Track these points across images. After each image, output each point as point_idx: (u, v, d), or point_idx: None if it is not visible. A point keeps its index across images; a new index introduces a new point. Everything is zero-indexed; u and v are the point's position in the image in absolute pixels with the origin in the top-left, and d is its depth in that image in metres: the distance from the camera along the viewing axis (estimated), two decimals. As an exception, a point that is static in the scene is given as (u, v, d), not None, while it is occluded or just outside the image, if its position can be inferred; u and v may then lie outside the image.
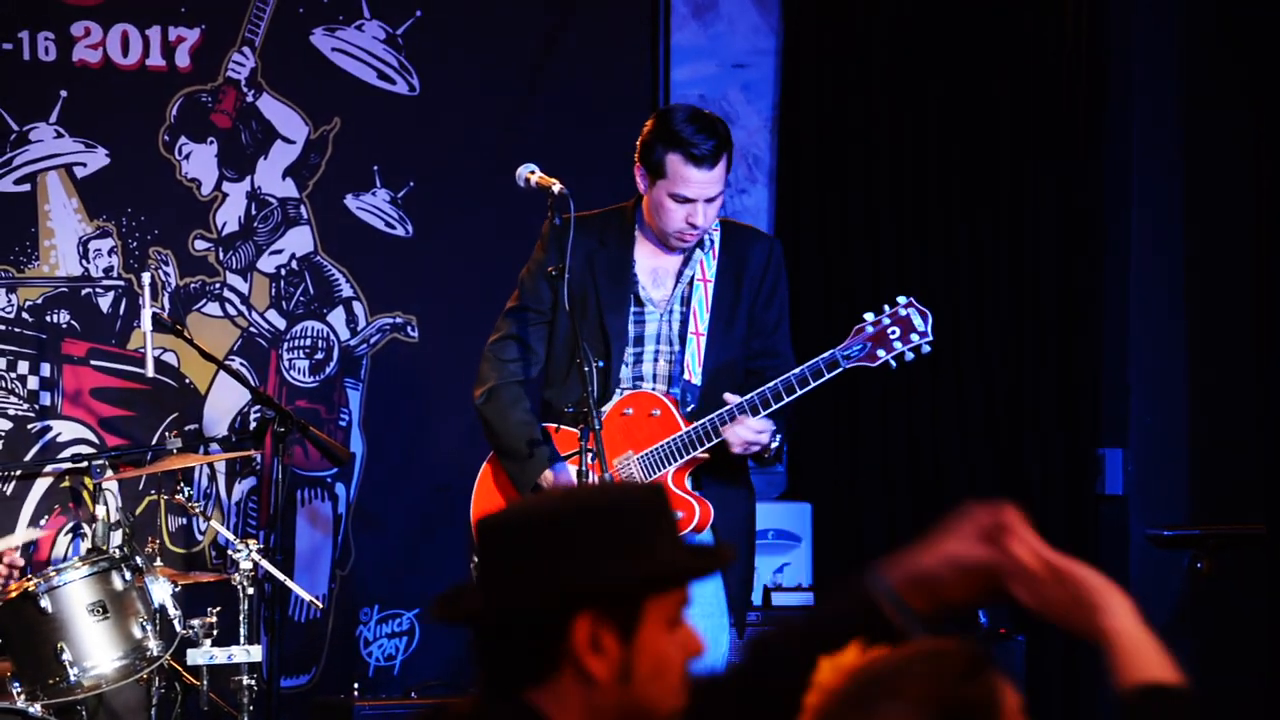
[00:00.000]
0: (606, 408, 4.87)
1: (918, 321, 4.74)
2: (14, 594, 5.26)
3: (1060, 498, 6.50)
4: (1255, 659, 6.01)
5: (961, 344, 6.54)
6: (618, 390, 4.90)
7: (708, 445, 4.77)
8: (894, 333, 4.72)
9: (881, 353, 4.71)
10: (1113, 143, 6.51)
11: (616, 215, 4.98)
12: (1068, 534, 6.45)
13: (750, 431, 4.69)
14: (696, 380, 4.88)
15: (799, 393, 4.70)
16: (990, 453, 6.65)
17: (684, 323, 4.92)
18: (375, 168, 6.82)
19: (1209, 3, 6.43)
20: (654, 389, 4.89)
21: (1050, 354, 6.57)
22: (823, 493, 6.64)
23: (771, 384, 4.69)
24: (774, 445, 4.76)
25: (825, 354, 4.71)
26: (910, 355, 4.73)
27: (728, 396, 4.73)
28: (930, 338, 4.75)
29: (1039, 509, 6.49)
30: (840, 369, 4.71)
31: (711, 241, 4.94)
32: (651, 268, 4.94)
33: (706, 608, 4.80)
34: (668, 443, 4.79)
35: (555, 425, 4.89)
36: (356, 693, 6.05)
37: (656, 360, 4.93)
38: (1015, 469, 6.60)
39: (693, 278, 4.93)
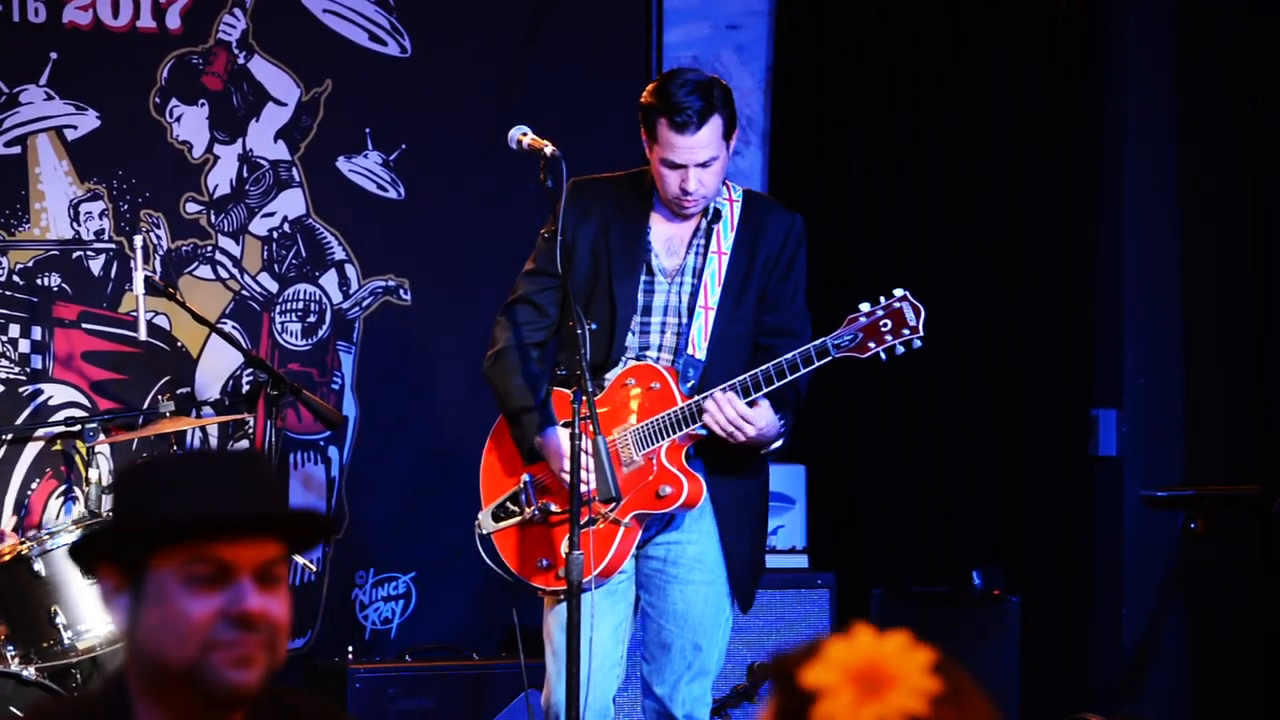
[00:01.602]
0: (611, 376, 4.88)
1: (910, 316, 4.70)
2: (7, 557, 5.30)
3: (1055, 459, 6.52)
4: (1249, 619, 6.03)
5: (956, 306, 6.57)
6: (624, 359, 4.90)
7: (694, 428, 4.76)
8: (886, 325, 4.69)
9: (872, 344, 4.69)
10: (1110, 95, 6.52)
11: (635, 179, 4.97)
12: (1062, 495, 6.50)
13: (733, 414, 4.67)
14: (700, 355, 4.86)
15: (789, 377, 4.68)
16: (984, 414, 6.67)
17: (693, 295, 4.91)
18: (367, 130, 6.83)
19: None
20: (658, 360, 4.88)
21: (1045, 315, 6.59)
22: (817, 455, 6.67)
23: (762, 368, 4.68)
24: (772, 435, 4.74)
25: (816, 341, 4.70)
26: (900, 349, 4.70)
27: (716, 390, 4.72)
28: (921, 333, 4.70)
29: (1034, 470, 6.58)
30: (830, 357, 4.69)
31: (731, 214, 4.93)
32: (665, 236, 4.93)
33: (707, 574, 4.85)
34: (662, 417, 4.78)
35: (559, 388, 4.90)
36: (351, 656, 6.09)
37: (664, 332, 4.91)
38: (1010, 430, 6.63)
39: (706, 249, 4.92)
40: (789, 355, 4.66)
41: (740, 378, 4.67)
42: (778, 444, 4.82)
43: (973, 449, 6.67)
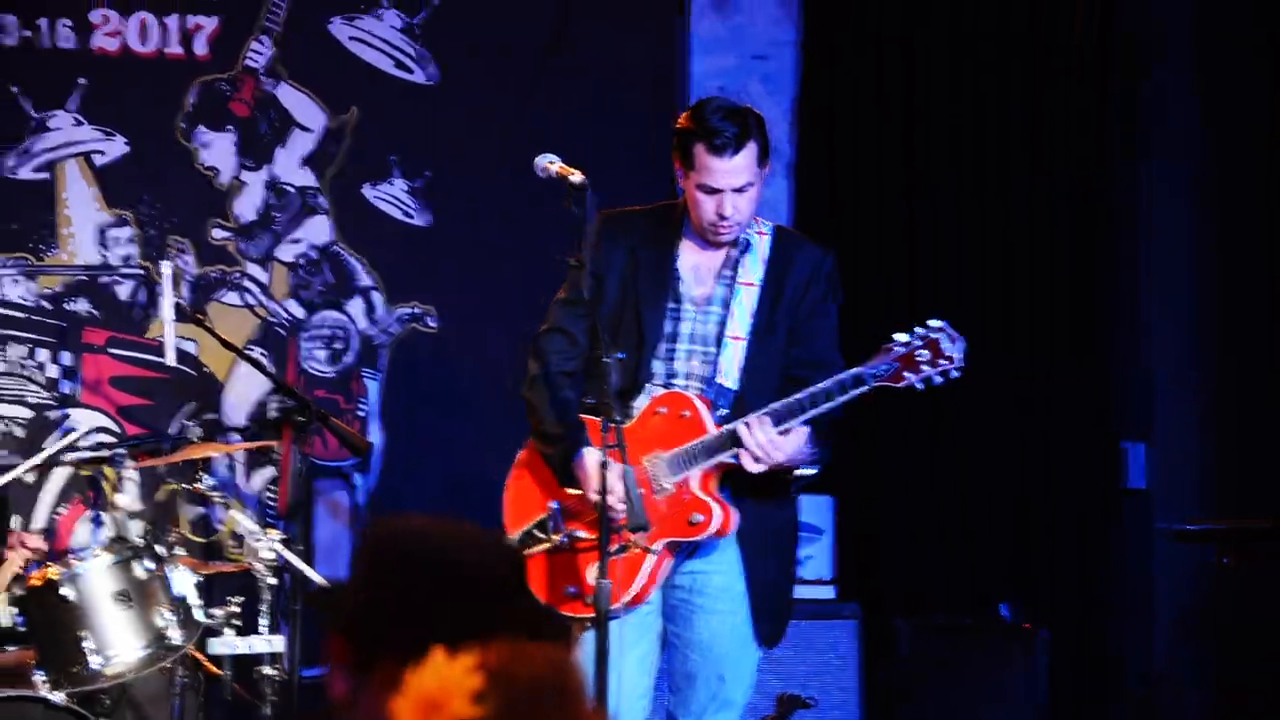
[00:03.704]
0: (640, 403, 4.88)
1: (947, 346, 4.67)
2: (38, 582, 5.30)
3: (1083, 492, 6.51)
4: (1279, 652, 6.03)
5: (986, 337, 6.56)
6: (651, 386, 4.90)
7: (726, 454, 4.74)
8: (923, 355, 4.66)
9: (909, 375, 4.65)
10: (1136, 137, 6.52)
11: (665, 211, 4.97)
12: (1091, 528, 6.48)
13: (763, 438, 4.66)
14: (731, 384, 4.85)
15: (822, 407, 4.66)
16: (1014, 446, 6.65)
17: (721, 324, 4.90)
18: (393, 157, 6.87)
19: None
20: (687, 388, 4.87)
21: (1074, 348, 6.57)
22: (846, 485, 6.63)
23: (796, 396, 4.66)
24: (801, 461, 4.72)
25: (851, 370, 4.68)
26: (939, 380, 4.67)
27: (750, 417, 4.69)
28: (961, 364, 4.66)
29: (1062, 503, 6.57)
30: (865, 387, 4.65)
31: (762, 247, 4.93)
32: (694, 264, 4.93)
33: (733, 605, 4.83)
34: (694, 445, 4.77)
35: (588, 416, 4.88)
36: (375, 684, 6.10)
37: (690, 359, 4.90)
38: (1039, 463, 6.61)
39: (735, 279, 4.92)
40: (824, 384, 4.66)
41: (776, 404, 4.66)
42: (811, 471, 4.81)
43: (1001, 481, 6.66)
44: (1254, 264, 6.35)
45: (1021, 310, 6.67)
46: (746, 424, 4.67)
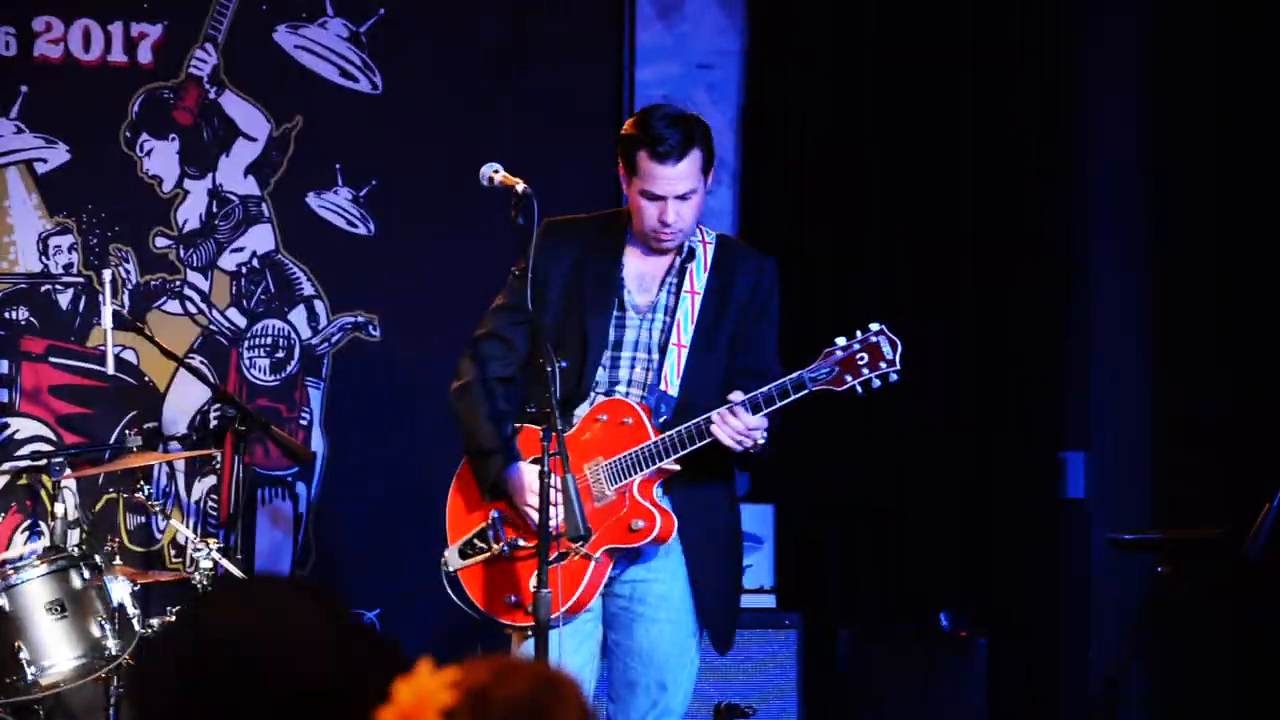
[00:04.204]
0: (582, 411, 4.88)
1: (887, 350, 4.67)
2: None
3: (1022, 501, 6.54)
4: (1216, 664, 6.06)
5: (925, 346, 6.59)
6: (593, 394, 4.90)
7: (682, 453, 4.75)
8: (863, 359, 4.67)
9: (849, 378, 4.67)
10: (1079, 148, 6.56)
11: (609, 219, 4.97)
12: (1030, 537, 6.51)
13: (740, 425, 4.66)
14: (673, 391, 4.85)
15: (766, 410, 4.67)
16: (952, 454, 6.67)
17: (665, 332, 4.91)
18: (337, 166, 6.83)
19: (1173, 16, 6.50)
20: (629, 395, 4.87)
21: (1013, 356, 6.61)
22: (785, 494, 6.67)
23: (762, 389, 4.65)
24: (763, 442, 4.72)
25: (793, 374, 4.69)
26: (877, 383, 4.68)
27: (735, 395, 4.70)
28: (899, 367, 4.68)
29: (1002, 512, 6.60)
30: (806, 390, 4.67)
31: (705, 255, 4.93)
32: (638, 272, 4.93)
33: (673, 613, 4.84)
34: (636, 451, 4.77)
35: (521, 424, 4.88)
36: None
37: (634, 367, 4.90)
38: (977, 472, 6.64)
39: (680, 287, 4.92)
40: (767, 388, 4.66)
41: (737, 398, 4.65)
42: (764, 443, 4.79)
43: (940, 489, 6.68)
44: (1194, 274, 6.38)
45: (962, 319, 6.68)
46: (723, 412, 4.66)
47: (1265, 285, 6.13)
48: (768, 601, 6.49)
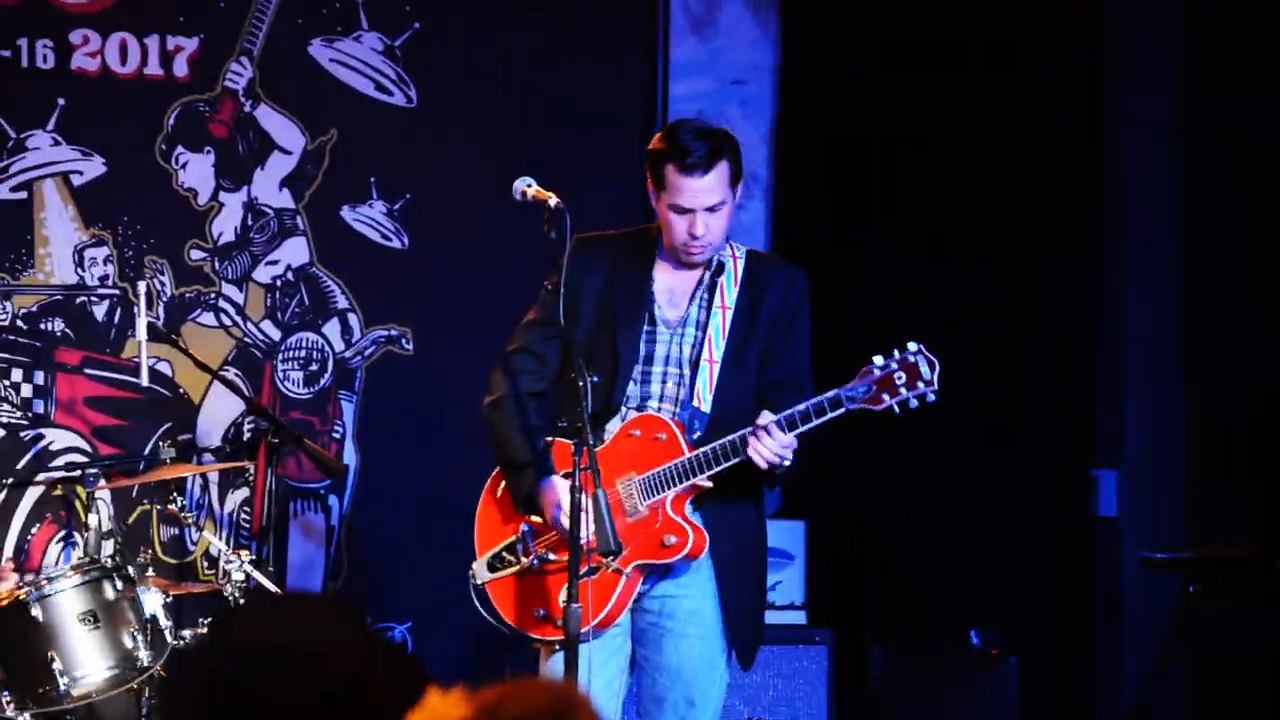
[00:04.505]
0: (615, 426, 4.88)
1: (925, 370, 4.66)
2: (5, 602, 5.32)
3: (1054, 518, 6.54)
4: (1248, 681, 6.05)
5: (958, 362, 6.59)
6: (624, 408, 4.90)
7: (715, 470, 4.75)
8: (900, 379, 4.66)
9: (886, 397, 4.66)
10: (1112, 163, 6.55)
11: (641, 235, 4.98)
12: (1061, 555, 6.51)
13: (775, 444, 4.67)
14: (705, 407, 4.86)
15: (803, 428, 4.68)
16: (984, 472, 6.68)
17: (697, 347, 4.91)
18: (372, 179, 6.85)
19: (1206, 25, 6.48)
20: (660, 410, 4.88)
21: (1045, 374, 6.62)
22: (817, 511, 6.68)
23: (797, 408, 4.66)
24: (790, 462, 4.72)
25: (829, 393, 4.68)
26: (915, 404, 4.67)
27: (764, 415, 4.70)
28: (936, 387, 4.66)
29: (1033, 529, 6.60)
30: (844, 410, 4.67)
31: (736, 269, 4.94)
32: (669, 287, 4.94)
33: (702, 629, 4.84)
34: (669, 467, 4.77)
35: (553, 439, 4.89)
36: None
37: (665, 381, 4.91)
38: (1009, 490, 6.64)
39: (711, 302, 4.93)
40: (803, 405, 4.66)
41: (789, 411, 4.64)
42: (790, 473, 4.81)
43: (973, 507, 6.68)
44: (1227, 292, 6.37)
45: (995, 337, 6.68)
46: (761, 430, 4.65)
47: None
48: (798, 618, 6.51)
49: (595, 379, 4.70)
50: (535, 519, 4.85)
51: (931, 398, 4.66)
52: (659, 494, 4.78)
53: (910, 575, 6.75)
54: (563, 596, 4.53)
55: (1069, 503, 6.48)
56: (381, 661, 2.49)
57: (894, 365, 4.65)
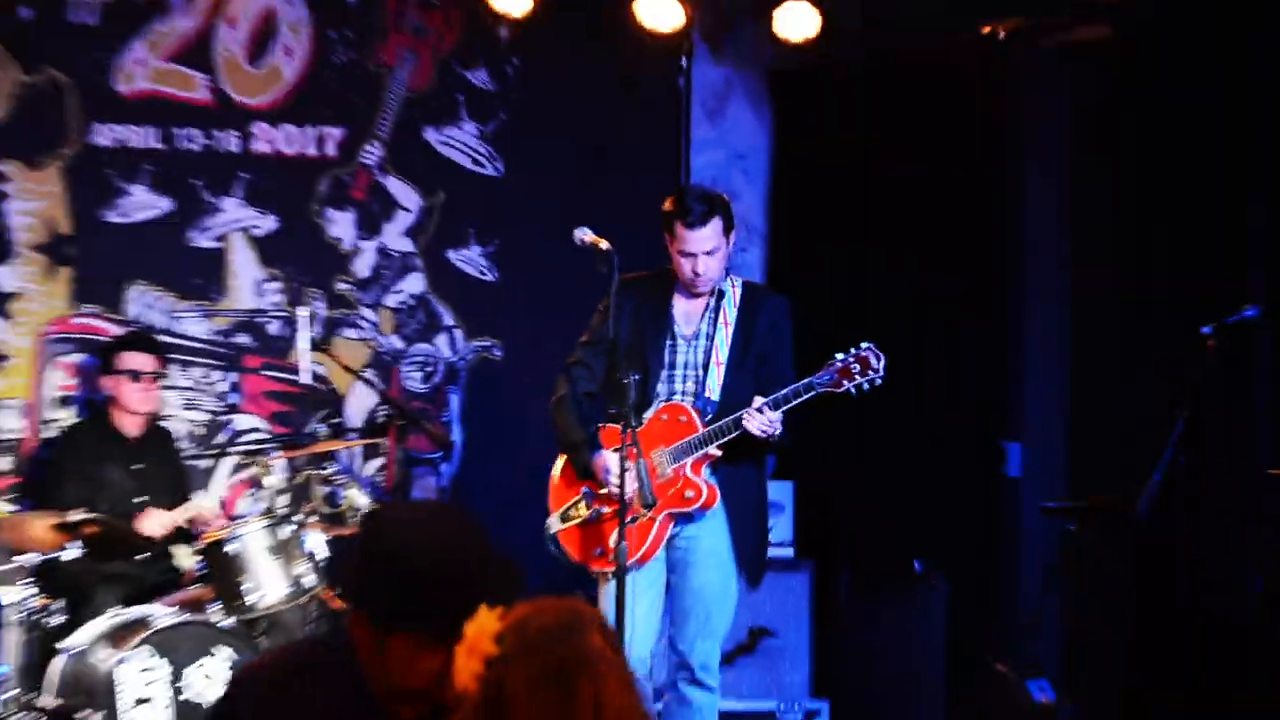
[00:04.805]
0: (649, 413, 4.82)
1: (874, 362, 4.62)
2: (210, 541, 5.34)
3: (974, 478, 6.43)
4: (1116, 596, 5.90)
5: (903, 362, 6.09)
6: (656, 400, 4.85)
7: (722, 441, 4.69)
8: (856, 368, 4.61)
9: (845, 383, 4.61)
10: (1015, 208, 6.31)
11: (662, 273, 4.93)
12: (980, 505, 6.38)
13: (764, 420, 4.62)
14: (715, 397, 4.83)
15: (784, 406, 4.63)
16: (924, 445, 6.56)
17: (707, 354, 4.84)
18: (470, 230, 6.85)
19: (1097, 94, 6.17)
20: (682, 400, 4.84)
21: (967, 371, 6.48)
22: (803, 473, 6.57)
23: (780, 392, 4.62)
24: (779, 433, 4.67)
25: (803, 380, 4.63)
26: (867, 387, 4.63)
27: (756, 399, 4.64)
28: (882, 375, 4.62)
29: (959, 487, 6.47)
30: (814, 392, 4.62)
31: (734, 295, 4.89)
32: (684, 311, 4.88)
33: (718, 560, 4.82)
34: (689, 440, 4.76)
35: (604, 424, 4.87)
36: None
37: (685, 380, 4.87)
38: (943, 457, 6.53)
39: (716, 320, 4.85)
40: (784, 390, 4.62)
41: (771, 396, 4.62)
42: (780, 434, 4.71)
43: (915, 471, 6.55)
44: (1103, 306, 6.15)
45: (935, 341, 6.52)
46: (753, 410, 4.61)
47: (1157, 313, 5.93)
48: (788, 553, 6.45)
49: (636, 377, 4.69)
50: (592, 484, 4.84)
51: (879, 382, 4.60)
52: (681, 460, 4.76)
53: (869, 520, 6.62)
54: (614, 539, 4.52)
55: (985, 466, 6.34)
56: (494, 553, 2.44)
57: (850, 358, 4.61)
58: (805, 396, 4.60)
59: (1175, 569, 5.49)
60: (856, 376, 4.60)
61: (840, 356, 4.62)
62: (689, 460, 4.74)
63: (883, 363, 4.60)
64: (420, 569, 2.39)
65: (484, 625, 2.17)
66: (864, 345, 4.63)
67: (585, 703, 2.10)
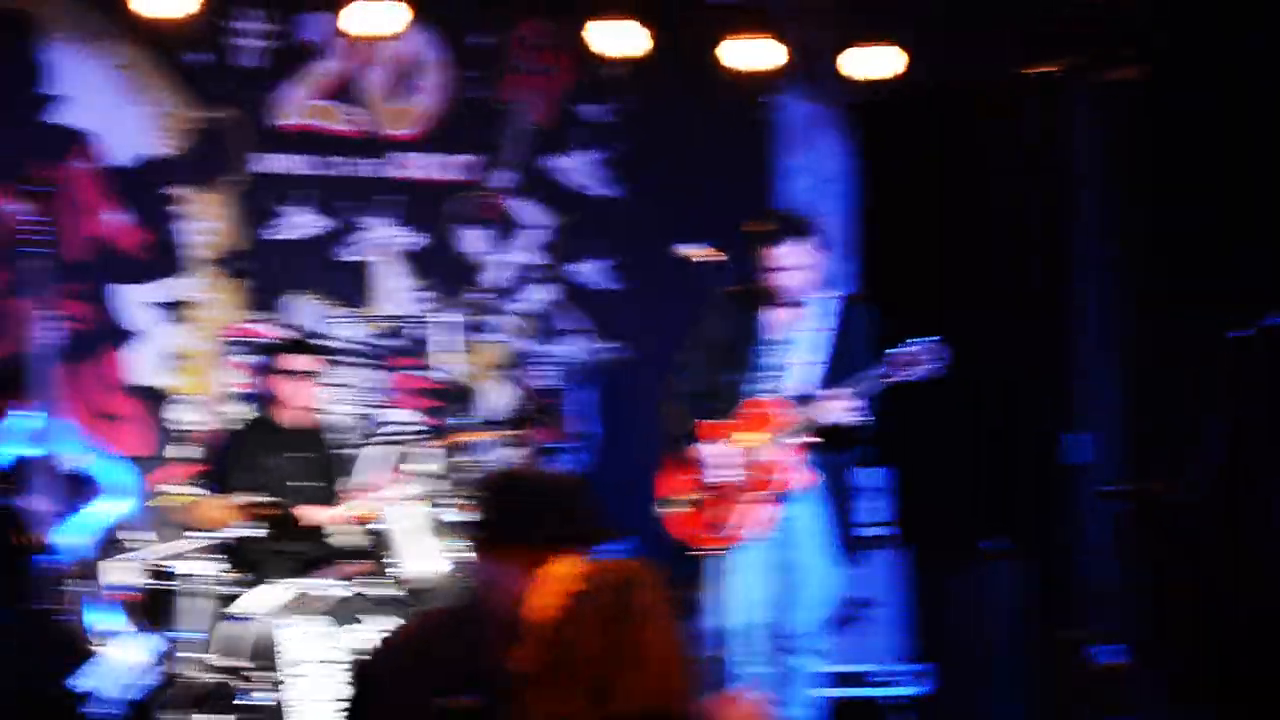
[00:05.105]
0: (747, 409, 5.01)
1: (937, 355, 4.80)
2: (370, 520, 5.45)
3: (1044, 467, 6.36)
4: (1163, 565, 5.96)
5: (980, 364, 5.97)
6: (752, 397, 5.03)
7: (813, 429, 4.86)
8: (922, 359, 4.81)
9: (912, 372, 4.79)
10: (1068, 226, 6.26)
11: (756, 285, 5.07)
12: (1043, 491, 6.37)
13: (844, 407, 4.79)
14: (804, 393, 5.00)
15: (859, 393, 4.80)
16: (998, 438, 6.66)
17: (797, 356, 5.04)
18: (596, 245, 7.12)
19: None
20: (776, 394, 5.00)
21: (1036, 374, 6.51)
22: (899, 462, 6.62)
23: (857, 382, 4.79)
24: (861, 422, 4.80)
25: (874, 369, 4.81)
26: (928, 376, 4.80)
27: (836, 391, 4.80)
28: (943, 367, 4.80)
29: (1028, 475, 6.49)
30: (879, 381, 4.80)
31: (823, 304, 5.04)
32: (775, 319, 5.07)
33: (819, 538, 5.00)
34: (785, 429, 4.95)
35: (707, 419, 5.05)
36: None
37: (777, 379, 5.05)
38: (1012, 450, 6.56)
39: (806, 326, 5.02)
40: (858, 381, 4.82)
41: (839, 389, 4.82)
42: (865, 431, 4.91)
43: (992, 461, 6.64)
44: (1164, 321, 6.15)
45: (1001, 340, 6.53)
46: (827, 401, 4.83)
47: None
48: (883, 531, 6.55)
49: (735, 378, 4.95)
50: (696, 472, 4.99)
51: (940, 373, 4.74)
52: (779, 447, 4.93)
53: (956, 505, 6.67)
54: (719, 520, 4.79)
55: (1049, 456, 6.28)
56: (592, 504, 2.65)
57: (914, 351, 4.80)
58: (875, 386, 4.77)
59: (1222, 555, 5.54)
60: (919, 369, 4.77)
61: (904, 349, 4.80)
62: (786, 447, 4.94)
63: (944, 352, 4.72)
64: (533, 489, 2.70)
65: (565, 572, 2.35)
66: (926, 339, 4.80)
67: (633, 641, 2.31)
